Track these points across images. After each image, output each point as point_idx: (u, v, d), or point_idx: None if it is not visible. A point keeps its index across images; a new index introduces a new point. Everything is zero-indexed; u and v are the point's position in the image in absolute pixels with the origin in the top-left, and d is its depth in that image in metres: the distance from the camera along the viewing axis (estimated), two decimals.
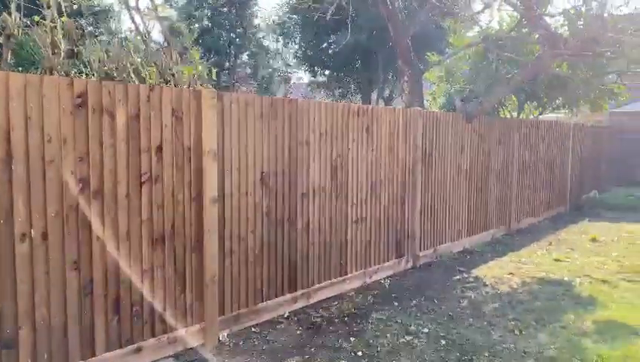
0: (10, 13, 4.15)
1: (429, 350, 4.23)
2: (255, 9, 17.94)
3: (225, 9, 17.23)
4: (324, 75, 18.09)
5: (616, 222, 10.22)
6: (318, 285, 5.28)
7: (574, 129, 11.83)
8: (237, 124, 4.37)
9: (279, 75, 19.42)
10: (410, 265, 6.61)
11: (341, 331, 4.58)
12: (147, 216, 3.75)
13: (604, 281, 6.17)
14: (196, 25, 16.88)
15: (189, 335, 4.07)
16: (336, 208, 5.44)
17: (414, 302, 5.36)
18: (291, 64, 19.28)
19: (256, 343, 4.30)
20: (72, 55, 4.15)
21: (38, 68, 4.42)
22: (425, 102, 9.26)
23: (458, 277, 6.32)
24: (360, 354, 4.14)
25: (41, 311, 3.21)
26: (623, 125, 15.58)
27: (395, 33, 8.46)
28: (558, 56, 7.13)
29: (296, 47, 17.58)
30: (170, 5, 17.09)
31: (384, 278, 6.08)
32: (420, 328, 4.67)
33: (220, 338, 4.27)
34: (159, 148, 3.80)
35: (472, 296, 5.59)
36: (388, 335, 4.51)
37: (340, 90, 17.89)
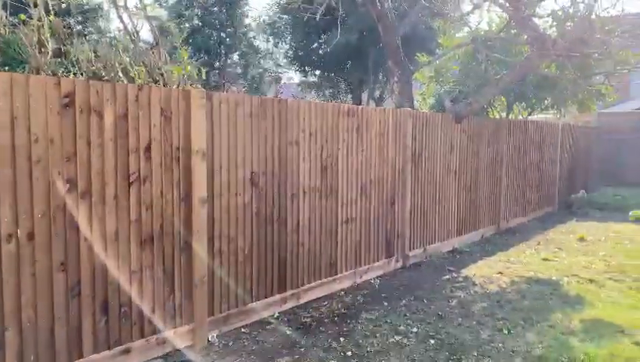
0: None
1: (418, 350, 4.24)
2: (246, 9, 17.86)
3: (215, 8, 17.15)
4: (314, 75, 18.07)
5: (603, 221, 10.32)
6: (308, 285, 5.28)
7: (563, 129, 11.94)
8: (226, 123, 4.35)
9: (270, 75, 19.37)
10: (400, 264, 6.63)
11: (331, 331, 4.59)
12: (136, 216, 3.73)
13: (591, 281, 6.23)
14: (186, 24, 16.78)
15: (178, 336, 4.05)
16: (327, 208, 5.44)
17: (404, 301, 5.38)
18: (282, 64, 19.23)
19: (245, 344, 4.29)
20: (60, 54, 4.12)
21: (25, 67, 4.37)
22: (415, 102, 9.28)
23: (447, 276, 6.35)
24: (349, 354, 4.15)
25: (28, 312, 3.18)
26: (611, 126, 15.73)
27: (384, 34, 8.47)
28: (546, 57, 7.18)
29: (287, 47, 17.54)
30: (160, 4, 16.97)
31: (374, 278, 6.09)
32: (410, 328, 4.68)
33: (210, 339, 4.26)
34: (148, 148, 3.78)
35: (462, 296, 5.61)
36: (377, 335, 4.52)
37: (331, 91, 17.88)
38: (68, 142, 3.32)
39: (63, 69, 4.47)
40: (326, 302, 5.27)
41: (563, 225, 9.89)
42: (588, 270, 6.72)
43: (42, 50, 4.01)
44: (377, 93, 17.12)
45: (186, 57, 4.94)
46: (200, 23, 17.00)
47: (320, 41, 16.35)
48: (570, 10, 7.01)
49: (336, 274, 5.64)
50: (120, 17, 4.87)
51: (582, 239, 8.59)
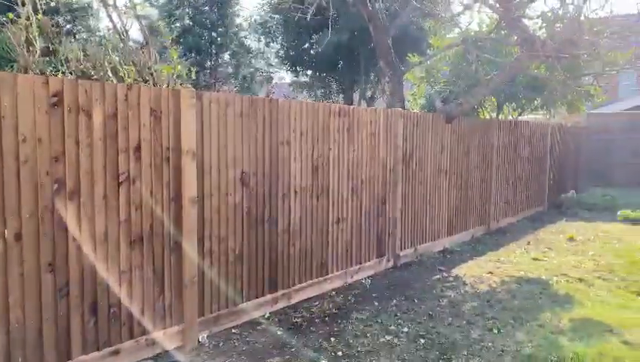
0: None
1: (408, 349, 4.25)
2: (237, 8, 17.81)
3: (206, 8, 17.10)
4: (306, 75, 18.06)
5: (593, 221, 10.41)
6: (299, 285, 5.28)
7: (552, 130, 12.02)
8: (217, 123, 4.34)
9: (261, 75, 19.32)
10: (390, 264, 6.65)
11: (322, 331, 4.59)
12: (125, 216, 3.70)
13: (580, 280, 6.28)
14: (177, 24, 16.72)
15: (167, 337, 4.03)
16: (318, 208, 5.44)
17: (394, 301, 5.39)
18: (273, 64, 19.19)
19: (236, 344, 4.28)
20: (48, 53, 4.09)
21: (13, 66, 4.34)
22: (406, 102, 9.31)
23: (438, 276, 6.37)
24: (340, 354, 4.15)
25: (16, 313, 3.15)
26: (600, 126, 15.87)
27: (375, 34, 8.49)
28: (535, 58, 7.22)
29: (278, 46, 17.52)
30: (150, 4, 16.88)
31: (365, 278, 6.10)
32: (400, 327, 4.69)
33: (200, 340, 4.24)
34: (137, 148, 3.76)
35: (452, 296, 5.64)
36: (368, 334, 4.53)
37: (323, 91, 17.88)
38: (56, 142, 3.29)
39: (51, 68, 4.44)
40: (317, 302, 5.27)
41: (553, 225, 9.95)
42: (577, 269, 6.77)
43: (30, 48, 3.98)
44: (369, 94, 17.14)
45: (176, 57, 4.91)
46: (191, 23, 16.93)
47: (311, 41, 16.35)
48: (560, 12, 7.06)
49: (328, 274, 5.64)
50: (109, 16, 4.83)
51: (571, 239, 8.66)
